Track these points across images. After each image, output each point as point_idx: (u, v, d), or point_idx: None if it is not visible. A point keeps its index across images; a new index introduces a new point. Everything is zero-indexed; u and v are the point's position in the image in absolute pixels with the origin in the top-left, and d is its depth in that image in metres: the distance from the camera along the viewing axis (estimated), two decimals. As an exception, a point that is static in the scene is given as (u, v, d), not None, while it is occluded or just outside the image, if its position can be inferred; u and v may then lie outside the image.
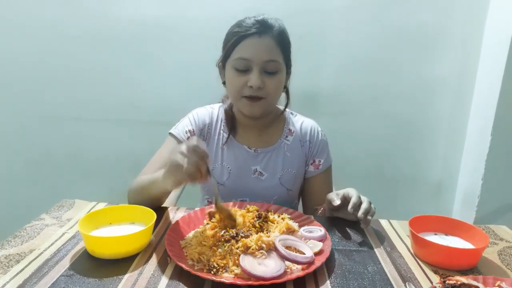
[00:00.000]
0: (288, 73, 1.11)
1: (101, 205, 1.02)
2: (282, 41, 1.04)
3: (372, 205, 0.93)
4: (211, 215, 0.88)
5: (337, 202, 0.94)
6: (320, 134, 1.19)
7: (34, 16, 1.72)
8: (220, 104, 1.20)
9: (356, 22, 1.71)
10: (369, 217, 0.91)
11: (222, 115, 1.17)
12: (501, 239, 0.94)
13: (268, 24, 1.02)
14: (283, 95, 1.13)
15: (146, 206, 0.89)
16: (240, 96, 1.04)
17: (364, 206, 0.91)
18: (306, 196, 1.22)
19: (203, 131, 1.15)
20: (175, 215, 0.99)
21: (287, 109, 1.18)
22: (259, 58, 1.00)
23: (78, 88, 1.81)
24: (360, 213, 0.90)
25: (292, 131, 1.17)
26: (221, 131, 1.15)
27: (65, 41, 1.75)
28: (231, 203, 0.99)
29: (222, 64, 1.09)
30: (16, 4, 1.71)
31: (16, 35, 1.75)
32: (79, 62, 1.77)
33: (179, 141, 1.10)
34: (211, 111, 1.18)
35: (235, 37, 1.02)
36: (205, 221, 0.89)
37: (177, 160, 0.78)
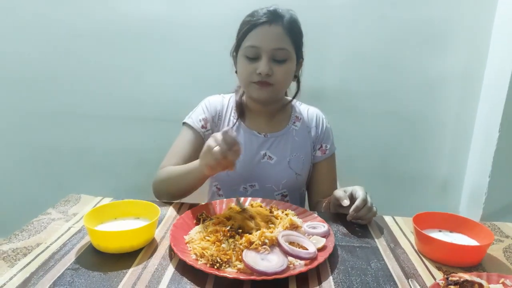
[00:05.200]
0: (300, 63, 1.14)
1: (107, 200, 1.03)
2: (292, 30, 1.06)
3: (374, 207, 0.95)
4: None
5: (346, 203, 0.94)
6: (324, 121, 1.24)
7: (41, 16, 1.74)
8: (232, 94, 1.23)
9: (362, 17, 1.70)
10: (360, 221, 0.95)
11: (233, 103, 1.20)
12: (507, 236, 0.93)
13: (278, 13, 1.06)
14: (294, 84, 1.16)
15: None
16: (249, 82, 1.07)
17: (359, 214, 0.93)
18: (312, 184, 1.24)
19: (215, 118, 1.18)
20: (179, 210, 1.00)
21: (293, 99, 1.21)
22: (268, 46, 1.03)
23: (84, 85, 1.82)
24: (348, 218, 0.95)
25: (299, 118, 1.22)
26: (231, 118, 1.18)
27: (71, 38, 1.76)
28: (234, 199, 0.99)
29: (235, 53, 1.12)
30: (26, 3, 1.73)
31: (24, 34, 1.77)
32: (85, 59, 1.79)
33: (195, 130, 1.14)
34: (222, 99, 1.21)
35: (247, 26, 1.06)
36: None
37: (209, 144, 0.84)
